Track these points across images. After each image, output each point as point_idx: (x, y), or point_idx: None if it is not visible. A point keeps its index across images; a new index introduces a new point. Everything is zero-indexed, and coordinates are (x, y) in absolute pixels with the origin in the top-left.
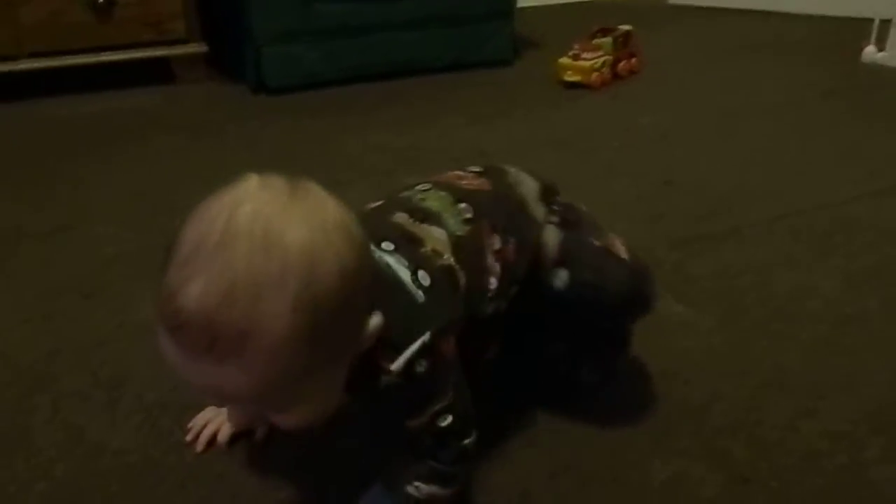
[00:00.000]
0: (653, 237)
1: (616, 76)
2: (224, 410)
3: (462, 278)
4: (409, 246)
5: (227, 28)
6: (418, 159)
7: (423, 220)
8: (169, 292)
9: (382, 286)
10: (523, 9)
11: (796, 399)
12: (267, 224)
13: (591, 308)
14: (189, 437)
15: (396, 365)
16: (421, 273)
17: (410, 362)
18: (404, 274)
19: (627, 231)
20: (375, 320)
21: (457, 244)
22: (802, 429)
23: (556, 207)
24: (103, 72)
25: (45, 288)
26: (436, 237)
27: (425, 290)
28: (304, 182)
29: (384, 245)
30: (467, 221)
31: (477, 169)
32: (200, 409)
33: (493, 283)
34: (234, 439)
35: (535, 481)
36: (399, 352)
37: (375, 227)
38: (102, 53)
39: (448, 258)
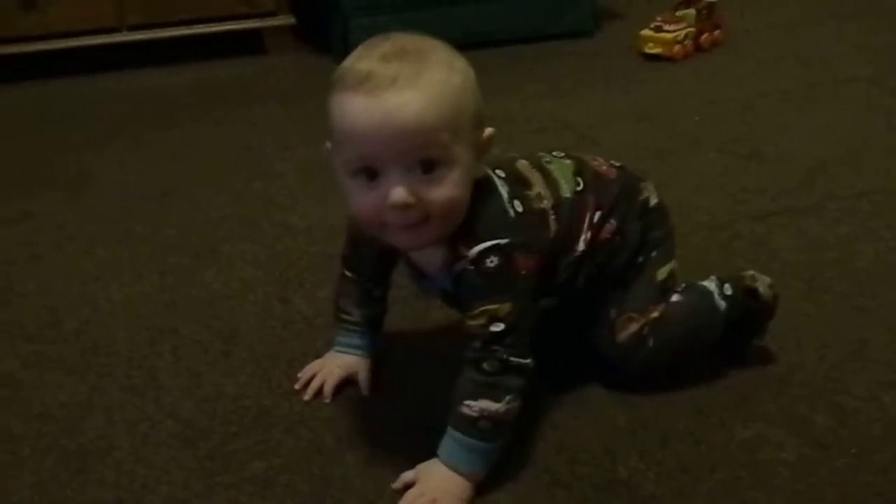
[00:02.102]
0: (736, 210)
1: (698, 48)
2: (330, 363)
3: (553, 226)
4: (517, 183)
5: (314, 1)
6: (500, 130)
7: (539, 171)
8: (350, 65)
9: (483, 190)
10: None
11: (878, 372)
12: (416, 34)
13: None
14: (298, 386)
15: (472, 251)
16: (516, 202)
17: (483, 253)
18: (503, 191)
19: (711, 204)
20: (489, 130)
21: (558, 203)
22: (884, 400)
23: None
24: (199, 43)
25: (158, 247)
26: (544, 185)
27: (516, 212)
28: None
29: (498, 171)
30: (576, 191)
31: (617, 164)
32: (306, 362)
33: (580, 248)
34: (337, 391)
35: (619, 439)
36: (477, 242)
37: (496, 160)
38: (197, 26)
39: (546, 204)
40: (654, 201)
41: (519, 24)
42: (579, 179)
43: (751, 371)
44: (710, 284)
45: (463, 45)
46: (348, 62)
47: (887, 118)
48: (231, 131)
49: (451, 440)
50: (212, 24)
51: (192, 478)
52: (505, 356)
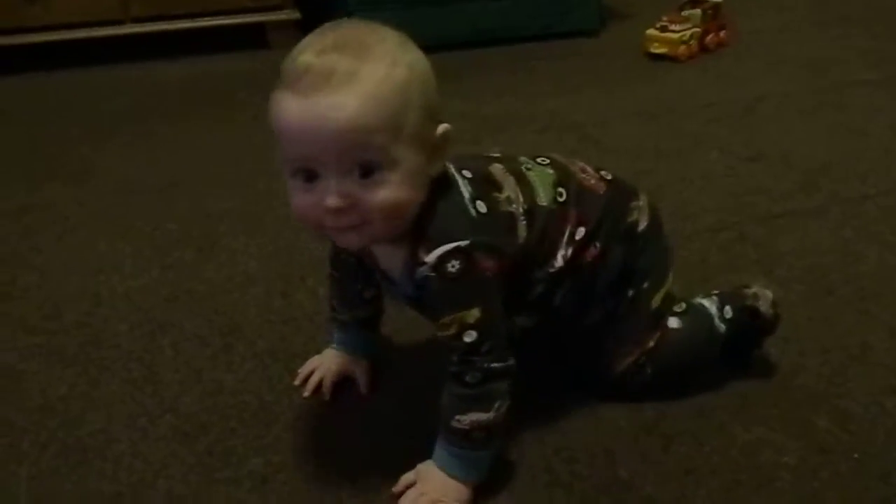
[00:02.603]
0: (739, 212)
1: (704, 49)
2: (329, 359)
3: (522, 232)
4: (485, 185)
5: None
6: (503, 128)
7: (513, 175)
8: (290, 61)
9: (442, 188)
10: None
11: (881, 376)
12: (370, 23)
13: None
14: (297, 382)
15: (431, 256)
16: (479, 203)
17: (443, 258)
18: (465, 191)
19: (715, 205)
20: (444, 126)
21: (532, 210)
22: (887, 405)
23: None
24: (202, 37)
25: (160, 240)
26: (516, 190)
27: (479, 213)
28: None
29: (464, 172)
30: (556, 202)
31: (608, 176)
32: (306, 358)
33: (558, 263)
34: (336, 388)
35: (620, 441)
36: (436, 245)
37: (466, 161)
38: (201, 19)
39: (517, 209)
40: (643, 225)
41: (524, 23)
42: (561, 190)
43: (752, 374)
44: (711, 307)
45: (468, 42)
46: (292, 54)
47: (892, 122)
48: (234, 125)
49: (444, 452)
50: (216, 18)
51: (190, 473)
52: (485, 364)
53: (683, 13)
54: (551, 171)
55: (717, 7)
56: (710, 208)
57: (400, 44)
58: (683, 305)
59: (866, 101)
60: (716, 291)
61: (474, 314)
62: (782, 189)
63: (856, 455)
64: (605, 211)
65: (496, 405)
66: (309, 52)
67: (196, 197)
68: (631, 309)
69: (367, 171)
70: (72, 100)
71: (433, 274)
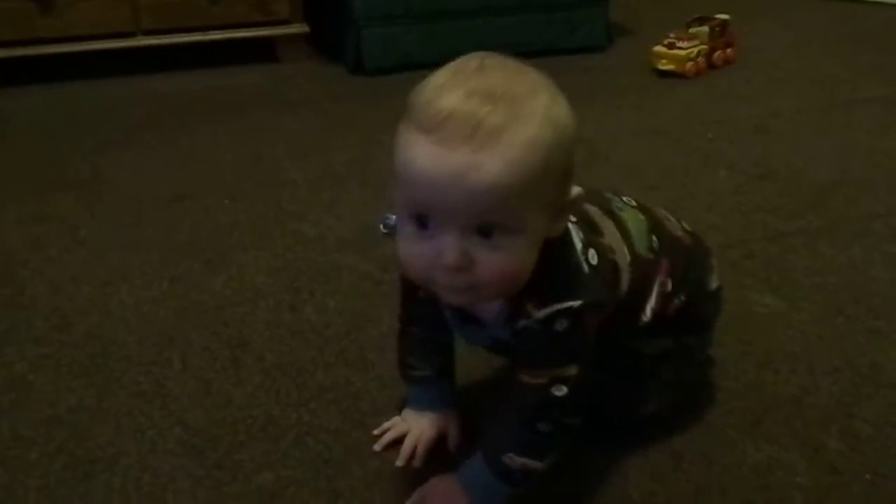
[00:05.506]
0: (748, 230)
1: (711, 66)
2: (418, 423)
3: (624, 284)
4: (588, 228)
5: (328, 10)
6: None
7: (610, 219)
8: (428, 99)
9: (557, 242)
10: None
11: (892, 397)
12: (515, 63)
13: None
14: (378, 447)
15: (542, 312)
16: (591, 251)
17: (553, 316)
18: (577, 240)
19: (723, 223)
20: (577, 189)
21: (635, 260)
22: None
23: None
24: (212, 50)
25: (169, 253)
26: (616, 237)
27: (590, 265)
28: None
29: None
30: (652, 250)
31: (688, 227)
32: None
33: (648, 315)
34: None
35: (630, 458)
36: (548, 303)
37: None
38: (212, 32)
39: (621, 259)
40: (714, 285)
41: (532, 39)
42: (654, 238)
43: (763, 393)
44: None
45: None
46: (431, 89)
47: None
48: (243, 139)
49: (478, 471)
50: (226, 31)
51: (199, 487)
52: (563, 419)
53: (690, 30)
54: (643, 217)
55: (724, 24)
56: (719, 226)
57: (550, 97)
58: None
59: (876, 119)
60: None
61: (571, 370)
62: (791, 207)
63: (868, 476)
64: (689, 263)
65: (548, 458)
66: (451, 94)
67: (206, 209)
68: (685, 354)
69: (488, 232)
70: (83, 110)
71: (538, 328)
